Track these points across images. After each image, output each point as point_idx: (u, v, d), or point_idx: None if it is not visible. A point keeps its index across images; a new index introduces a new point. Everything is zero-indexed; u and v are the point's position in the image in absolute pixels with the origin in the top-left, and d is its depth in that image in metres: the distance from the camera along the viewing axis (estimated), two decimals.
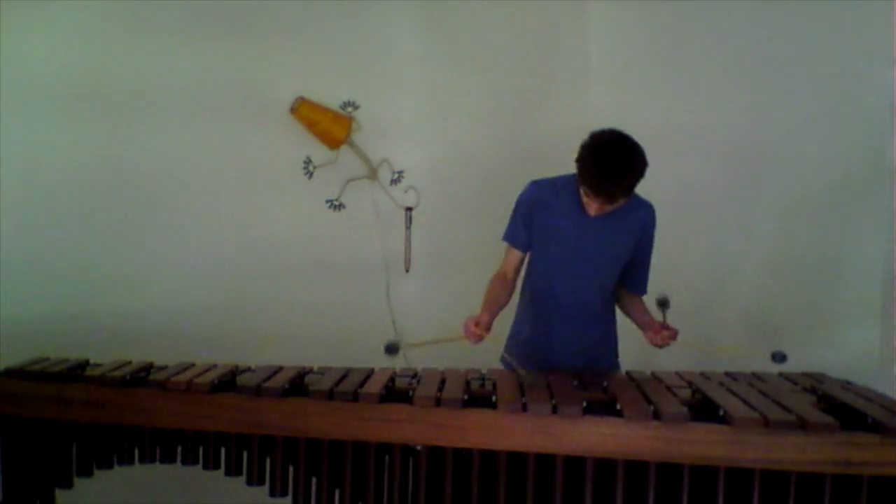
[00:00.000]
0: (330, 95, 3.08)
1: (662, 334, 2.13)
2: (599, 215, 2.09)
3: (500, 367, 2.30)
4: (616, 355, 2.40)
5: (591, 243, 2.18)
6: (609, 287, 2.28)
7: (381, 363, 2.21)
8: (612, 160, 1.97)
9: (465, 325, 2.07)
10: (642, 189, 2.09)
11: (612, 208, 2.07)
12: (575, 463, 1.82)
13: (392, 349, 2.08)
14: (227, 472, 2.01)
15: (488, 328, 2.08)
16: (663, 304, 2.14)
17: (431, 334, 2.28)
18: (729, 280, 3.14)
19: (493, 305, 2.18)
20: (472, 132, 3.22)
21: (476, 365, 2.25)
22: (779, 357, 2.10)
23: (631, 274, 2.28)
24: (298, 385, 2.01)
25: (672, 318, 2.20)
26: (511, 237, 2.28)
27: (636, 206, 2.19)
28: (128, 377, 2.04)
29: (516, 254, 2.28)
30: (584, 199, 2.09)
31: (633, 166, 1.97)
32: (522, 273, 2.36)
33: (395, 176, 3.19)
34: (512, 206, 2.29)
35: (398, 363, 2.24)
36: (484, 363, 2.33)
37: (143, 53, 2.88)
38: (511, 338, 2.39)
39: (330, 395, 1.91)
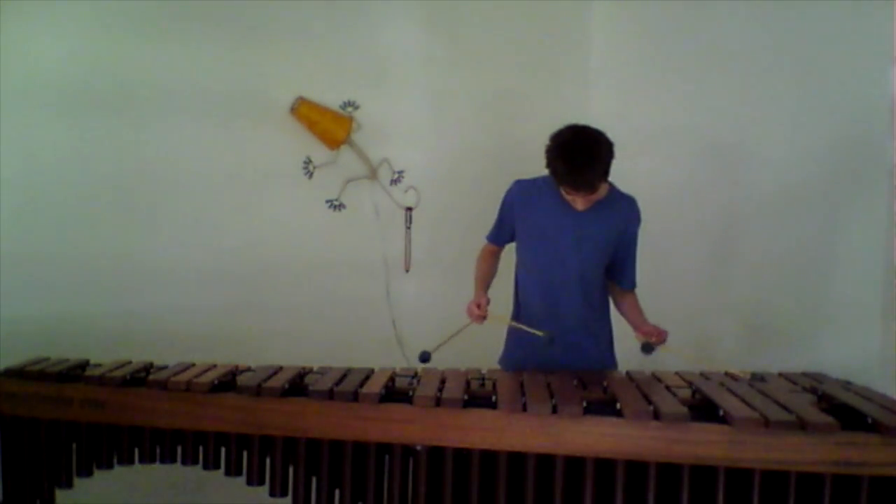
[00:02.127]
0: (330, 95, 3.08)
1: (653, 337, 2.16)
2: (582, 210, 2.14)
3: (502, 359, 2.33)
4: (612, 355, 2.40)
5: (572, 238, 2.21)
6: (594, 284, 2.29)
7: (381, 363, 2.22)
8: (579, 152, 2.03)
9: (468, 310, 2.24)
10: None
11: (597, 196, 2.13)
12: (575, 463, 1.81)
13: (426, 357, 2.21)
14: (227, 472, 2.01)
15: (488, 304, 2.26)
16: (647, 349, 2.16)
17: (431, 334, 2.30)
18: (728, 280, 3.14)
19: (484, 282, 2.36)
20: (472, 132, 3.22)
21: (477, 364, 2.25)
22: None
23: (619, 268, 2.31)
24: (298, 385, 2.01)
25: (668, 320, 2.20)
26: (493, 237, 2.40)
27: (617, 199, 2.24)
28: (128, 377, 2.04)
29: (495, 247, 2.44)
30: (569, 199, 2.14)
31: (599, 149, 2.04)
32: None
33: (395, 176, 3.19)
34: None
35: (398, 363, 2.24)
36: (484, 363, 2.33)
37: (143, 54, 2.87)
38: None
39: (330, 395, 1.91)
